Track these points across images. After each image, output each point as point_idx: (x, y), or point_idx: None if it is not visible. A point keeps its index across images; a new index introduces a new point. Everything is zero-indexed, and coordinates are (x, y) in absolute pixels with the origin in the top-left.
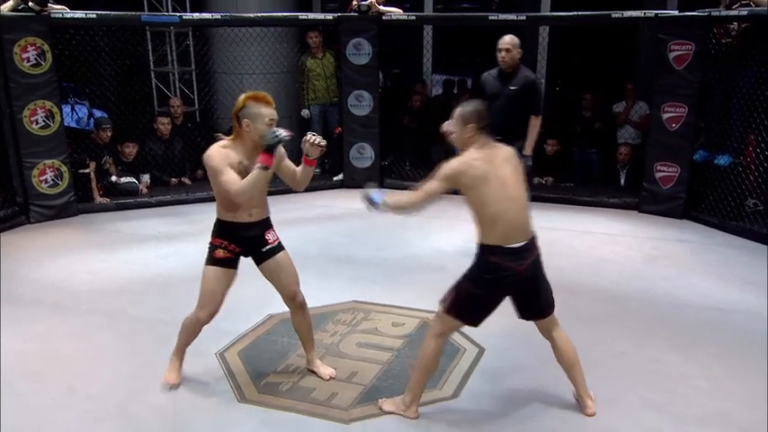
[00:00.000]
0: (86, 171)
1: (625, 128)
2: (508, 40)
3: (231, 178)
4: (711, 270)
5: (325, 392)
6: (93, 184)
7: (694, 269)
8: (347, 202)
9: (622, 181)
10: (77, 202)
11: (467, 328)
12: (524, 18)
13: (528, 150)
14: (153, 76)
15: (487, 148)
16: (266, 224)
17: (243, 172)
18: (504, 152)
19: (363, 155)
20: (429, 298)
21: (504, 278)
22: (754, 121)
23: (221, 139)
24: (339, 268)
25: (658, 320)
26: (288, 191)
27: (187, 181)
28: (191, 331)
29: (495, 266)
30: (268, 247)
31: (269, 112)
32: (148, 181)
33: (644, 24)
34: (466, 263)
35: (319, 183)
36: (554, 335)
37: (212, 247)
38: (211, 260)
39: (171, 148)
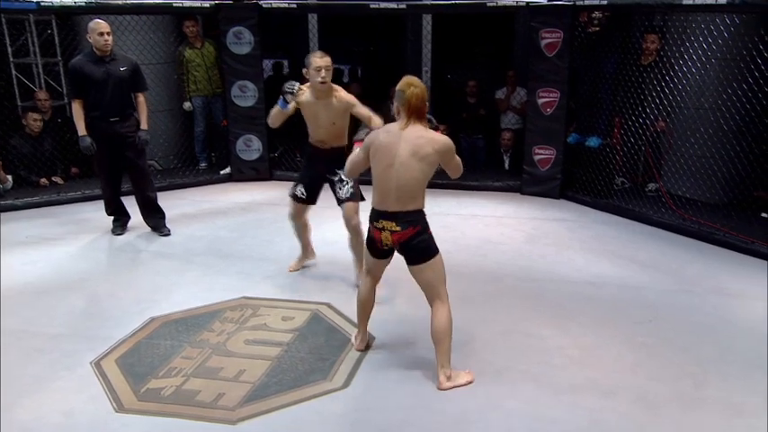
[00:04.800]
0: None
1: (507, 114)
2: (103, 24)
3: None
4: (585, 246)
5: (210, 394)
6: None
7: (570, 246)
8: (235, 196)
9: (507, 165)
10: None
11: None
12: (404, 7)
13: (145, 125)
14: (12, 67)
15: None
16: None
17: None
18: None
19: (251, 147)
20: (319, 290)
21: None
22: (618, 105)
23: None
24: (227, 264)
25: (538, 296)
26: (172, 187)
27: (59, 180)
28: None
29: None
30: None
31: None
32: (11, 182)
33: (517, 13)
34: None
35: (205, 177)
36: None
37: (432, 237)
38: (437, 247)
39: (39, 146)
